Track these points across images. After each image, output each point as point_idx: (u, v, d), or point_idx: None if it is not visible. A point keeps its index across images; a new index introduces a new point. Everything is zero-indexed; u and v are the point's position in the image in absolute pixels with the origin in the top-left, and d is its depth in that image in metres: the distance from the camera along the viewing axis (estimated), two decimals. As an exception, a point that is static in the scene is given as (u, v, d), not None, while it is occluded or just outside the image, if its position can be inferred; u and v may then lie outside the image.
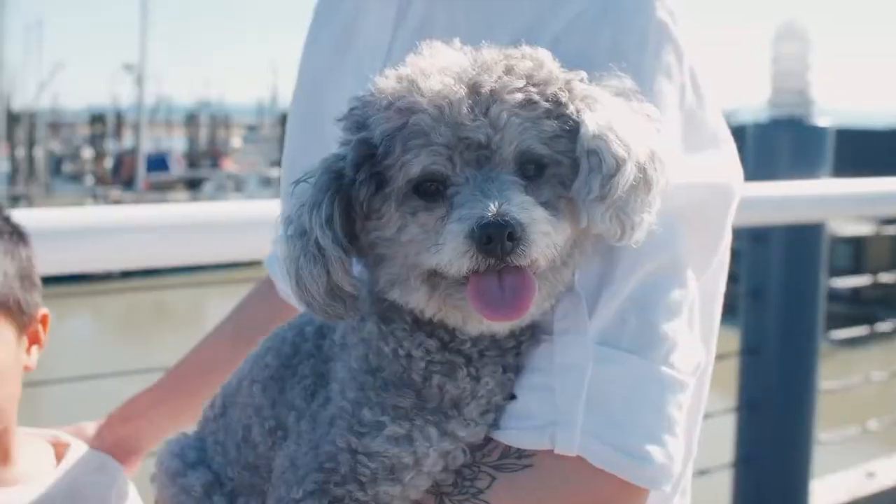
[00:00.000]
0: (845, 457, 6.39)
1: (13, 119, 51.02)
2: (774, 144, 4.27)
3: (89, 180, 51.56)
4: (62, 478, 1.72)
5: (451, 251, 1.05)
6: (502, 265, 1.05)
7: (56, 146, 61.20)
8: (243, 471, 1.38)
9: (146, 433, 1.93)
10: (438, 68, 1.12)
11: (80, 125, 69.16)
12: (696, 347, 1.25)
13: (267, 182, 52.88)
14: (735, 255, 1.50)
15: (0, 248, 1.63)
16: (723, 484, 4.70)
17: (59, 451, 1.79)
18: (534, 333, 1.21)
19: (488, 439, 1.21)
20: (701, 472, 4.53)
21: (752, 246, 4.38)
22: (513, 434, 1.19)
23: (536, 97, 1.10)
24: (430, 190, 1.10)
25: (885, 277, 5.71)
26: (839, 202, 3.99)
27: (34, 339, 1.73)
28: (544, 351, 1.20)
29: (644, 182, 1.10)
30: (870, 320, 5.64)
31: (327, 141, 1.52)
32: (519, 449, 1.19)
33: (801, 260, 4.31)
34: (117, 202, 37.72)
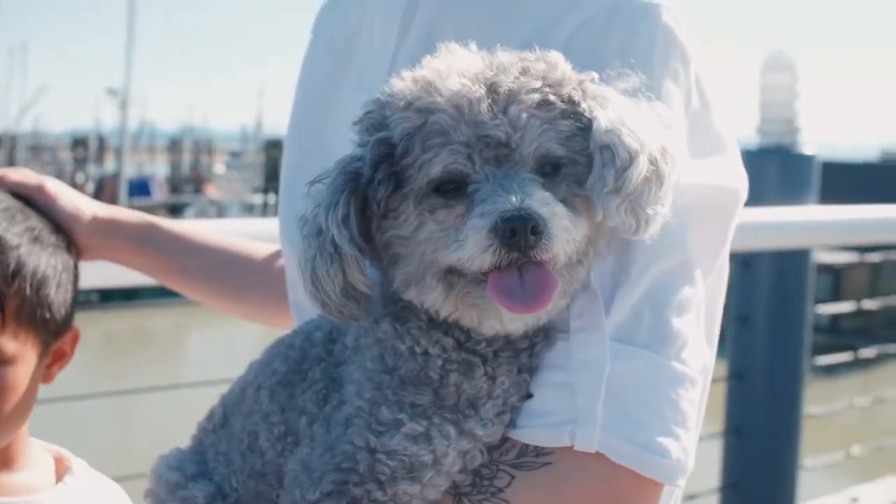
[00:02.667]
0: (829, 482, 6.44)
1: (-6, 142, 50.82)
2: (762, 171, 4.33)
3: (70, 204, 51.17)
4: (59, 499, 1.70)
5: (474, 246, 1.06)
6: (524, 260, 1.06)
7: (37, 169, 60.87)
8: (249, 479, 1.37)
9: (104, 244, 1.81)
10: (456, 69, 1.14)
11: (62, 149, 68.90)
12: (703, 345, 1.27)
13: (249, 209, 52.88)
14: (724, 281, 1.51)
15: (52, 262, 1.64)
16: (710, 509, 4.72)
17: (60, 466, 1.79)
18: (548, 334, 1.22)
19: (505, 439, 1.22)
20: (688, 497, 4.55)
21: (739, 272, 4.43)
22: (531, 432, 1.20)
23: (553, 98, 1.12)
24: (449, 188, 1.11)
25: (869, 304, 5.76)
26: (826, 229, 4.04)
27: (59, 356, 1.72)
28: (561, 349, 1.21)
29: (656, 176, 1.12)
30: (848, 350, 5.67)
31: (331, 154, 1.55)
32: (537, 447, 1.20)
33: (788, 286, 4.36)
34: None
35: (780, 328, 4.39)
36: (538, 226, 1.04)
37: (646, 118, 1.15)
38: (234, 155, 74.62)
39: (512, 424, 1.21)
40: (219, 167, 71.51)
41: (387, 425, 1.18)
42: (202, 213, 47.37)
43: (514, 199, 1.05)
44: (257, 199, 57.03)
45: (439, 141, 1.10)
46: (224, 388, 1.52)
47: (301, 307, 1.60)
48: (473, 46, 1.19)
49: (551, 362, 1.21)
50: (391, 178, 1.13)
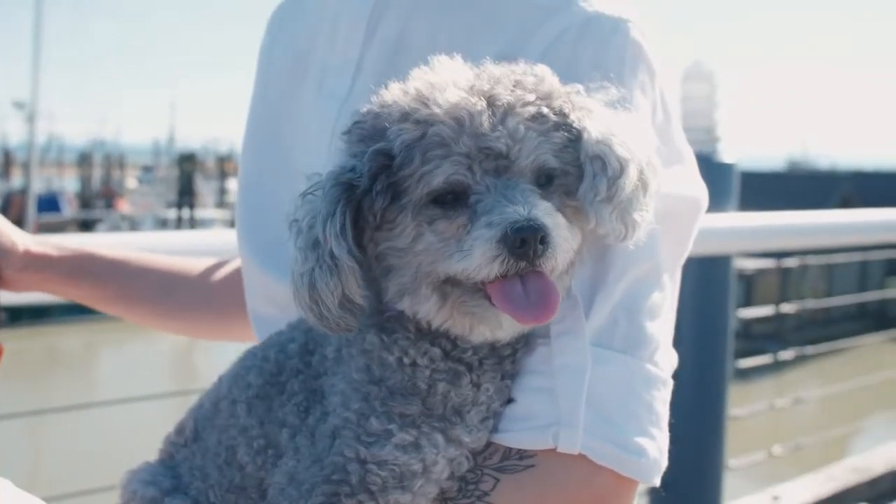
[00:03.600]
0: (752, 482, 6.60)
1: None
2: (684, 180, 4.39)
3: (-25, 221, 49.69)
4: None
5: (481, 256, 1.07)
6: (529, 269, 1.08)
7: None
8: (228, 493, 1.36)
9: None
10: (450, 81, 1.15)
11: (-35, 164, 66.79)
12: (671, 348, 1.32)
13: (163, 223, 51.98)
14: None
15: None
16: (639, 511, 4.78)
17: None
18: (528, 341, 1.24)
19: (488, 444, 1.24)
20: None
21: (664, 278, 4.49)
22: (515, 436, 1.22)
23: (546, 110, 1.15)
24: (448, 199, 1.12)
25: (787, 308, 5.94)
26: (747, 235, 4.15)
27: None
28: (542, 354, 1.23)
29: (642, 183, 1.16)
30: (759, 354, 5.80)
31: (289, 157, 1.52)
32: (520, 450, 1.22)
33: (711, 292, 4.46)
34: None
35: (705, 332, 4.47)
36: (546, 236, 1.07)
37: (631, 129, 1.19)
38: (147, 169, 73.37)
39: (496, 429, 1.23)
40: (130, 182, 70.21)
41: (376, 436, 1.18)
42: (114, 229, 46.28)
43: (521, 209, 1.07)
44: (171, 213, 56.09)
45: (440, 153, 1.11)
46: (133, 407, 1.50)
47: (260, 317, 1.59)
48: (460, 59, 1.20)
49: (532, 367, 1.24)
50: (389, 189, 1.13)
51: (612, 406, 1.21)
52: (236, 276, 1.83)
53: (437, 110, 1.12)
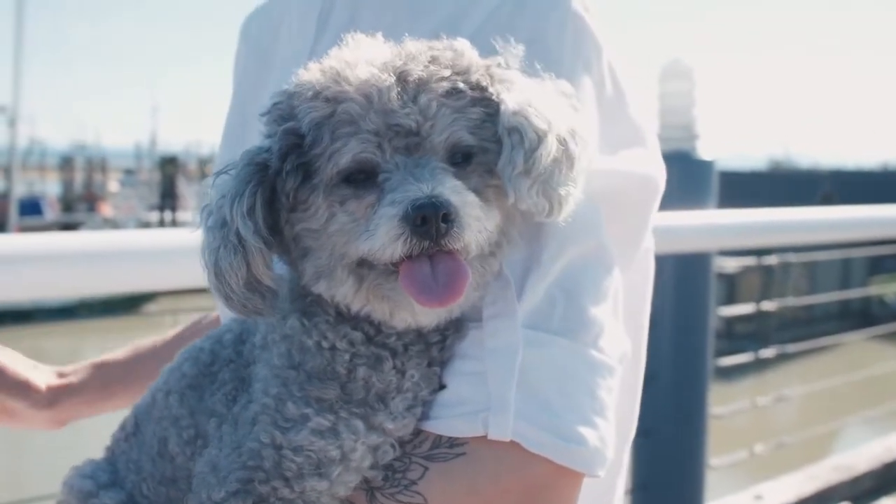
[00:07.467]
0: (734, 481, 6.59)
1: None
2: (663, 177, 4.38)
3: (-44, 225, 49.50)
4: None
5: (384, 236, 1.04)
6: (435, 249, 1.05)
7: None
8: (160, 486, 1.34)
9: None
10: (364, 59, 1.12)
11: (-54, 168, 66.46)
12: (621, 335, 1.25)
13: (145, 227, 51.79)
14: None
15: None
16: (621, 511, 4.75)
17: None
18: (459, 326, 1.20)
19: (418, 432, 1.19)
20: (599, 501, 4.58)
21: (644, 276, 4.47)
22: (446, 422, 1.18)
23: (462, 86, 1.11)
24: (359, 178, 1.09)
25: (769, 305, 5.92)
26: (726, 232, 4.13)
27: None
28: (473, 338, 1.19)
29: (566, 156, 1.12)
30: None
31: None
32: (451, 438, 1.17)
33: (692, 288, 4.44)
34: (-13, 248, 36.25)
35: (685, 331, 4.45)
36: (449, 213, 1.03)
37: (553, 99, 1.15)
38: (129, 173, 73.15)
39: (426, 416, 1.19)
40: (112, 185, 70.02)
41: (293, 421, 1.16)
42: (96, 233, 46.08)
43: (424, 186, 1.04)
44: (153, 216, 56.02)
45: (349, 130, 1.08)
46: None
47: (225, 311, 1.56)
48: (380, 37, 1.17)
49: (464, 352, 1.19)
50: (300, 169, 1.11)
51: (550, 392, 1.15)
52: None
53: (347, 87, 1.10)
